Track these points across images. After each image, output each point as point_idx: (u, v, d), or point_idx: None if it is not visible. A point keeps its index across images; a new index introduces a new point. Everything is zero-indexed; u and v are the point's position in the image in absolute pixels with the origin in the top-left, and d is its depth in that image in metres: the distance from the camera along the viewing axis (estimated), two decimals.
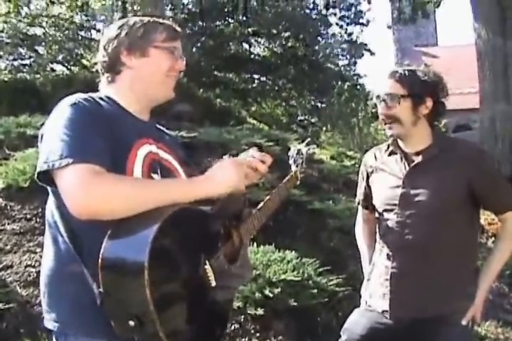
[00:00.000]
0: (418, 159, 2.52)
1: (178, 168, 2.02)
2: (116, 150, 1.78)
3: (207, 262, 1.73)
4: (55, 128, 1.73)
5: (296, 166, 2.38)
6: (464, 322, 2.43)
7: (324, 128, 17.14)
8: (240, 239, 1.95)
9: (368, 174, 2.73)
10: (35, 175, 1.72)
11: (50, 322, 1.80)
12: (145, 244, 1.52)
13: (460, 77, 21.17)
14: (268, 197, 2.17)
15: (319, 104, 20.95)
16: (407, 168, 2.54)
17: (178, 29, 2.08)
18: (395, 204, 2.52)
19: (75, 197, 1.61)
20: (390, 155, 2.63)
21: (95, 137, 1.72)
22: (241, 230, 1.97)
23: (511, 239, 2.57)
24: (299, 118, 22.73)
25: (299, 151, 2.41)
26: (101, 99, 1.90)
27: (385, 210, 2.57)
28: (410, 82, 2.47)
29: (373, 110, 20.84)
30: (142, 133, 1.93)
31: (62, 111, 1.76)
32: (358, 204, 2.88)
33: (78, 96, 1.83)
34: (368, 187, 2.74)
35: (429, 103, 2.50)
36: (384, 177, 2.62)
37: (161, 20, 2.06)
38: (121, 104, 1.95)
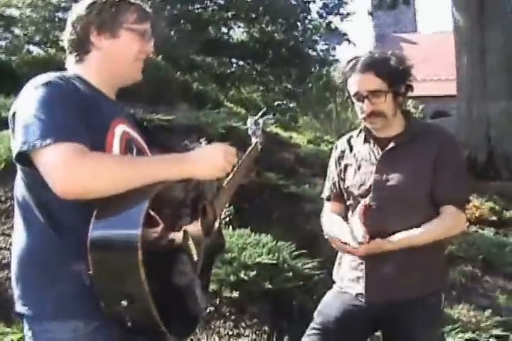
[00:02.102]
0: (391, 145, 2.53)
1: (146, 148, 2.02)
2: (95, 129, 1.76)
3: (189, 237, 1.75)
4: (30, 107, 1.69)
5: (256, 138, 2.39)
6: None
7: (302, 113, 17.13)
8: (213, 213, 1.99)
9: (340, 160, 2.72)
10: (14, 156, 1.68)
11: (21, 306, 1.77)
12: (137, 221, 1.51)
13: (438, 64, 21.32)
14: (234, 170, 2.18)
15: (297, 89, 20.92)
16: (380, 153, 2.55)
17: (148, 10, 2.05)
18: (368, 190, 2.53)
19: (61, 176, 1.59)
20: (364, 143, 2.64)
21: (73, 116, 1.69)
22: (215, 204, 2.01)
23: (442, 226, 2.51)
24: (276, 102, 22.70)
25: (255, 122, 2.41)
26: (72, 78, 1.86)
27: (359, 195, 2.57)
28: (390, 75, 2.45)
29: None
30: (115, 112, 1.93)
31: (36, 90, 1.73)
32: (327, 199, 2.82)
33: (51, 75, 1.79)
34: (341, 174, 2.71)
35: (403, 90, 2.52)
36: (357, 162, 2.62)
37: (131, 0, 2.02)
38: (91, 83, 1.92)
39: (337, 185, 2.72)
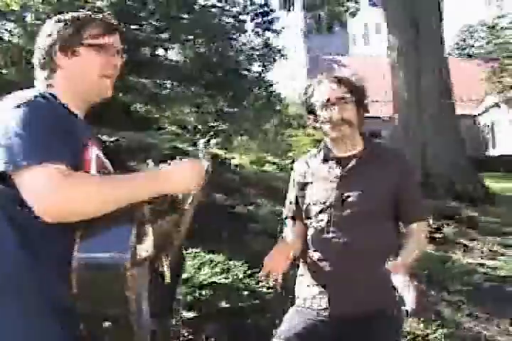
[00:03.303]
0: (351, 163, 2.63)
1: (111, 170, 1.98)
2: (73, 151, 1.73)
3: (165, 258, 1.77)
4: (12, 126, 1.65)
5: (207, 160, 2.41)
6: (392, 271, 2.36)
7: (236, 135, 17.27)
8: (177, 232, 1.99)
9: (299, 181, 2.79)
10: None
11: None
12: (125, 245, 1.52)
13: (368, 87, 21.83)
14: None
15: (232, 110, 21.00)
16: (341, 171, 2.64)
17: (114, 21, 2.00)
18: (329, 207, 2.61)
19: (46, 199, 1.56)
20: (323, 162, 2.73)
21: (56, 137, 1.67)
22: (181, 224, 2.01)
23: (419, 244, 2.65)
24: (210, 124, 22.68)
25: (205, 145, 2.42)
26: (49, 97, 1.82)
27: (320, 211, 2.64)
28: (355, 87, 2.62)
29: (286, 117, 21.17)
30: (87, 133, 1.90)
31: (19, 108, 1.69)
32: (286, 218, 2.89)
33: (32, 93, 1.76)
34: (300, 193, 2.77)
35: (365, 105, 2.67)
36: (318, 181, 2.70)
37: (95, 15, 1.98)
38: (62, 102, 1.88)
39: (295, 204, 2.79)
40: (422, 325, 4.46)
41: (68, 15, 1.96)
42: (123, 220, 1.59)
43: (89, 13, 2.00)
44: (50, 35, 1.91)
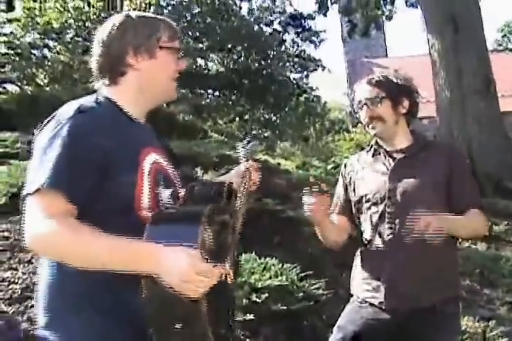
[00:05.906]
0: (402, 155, 2.70)
1: (173, 175, 2.00)
2: (124, 163, 1.77)
3: (227, 259, 1.75)
4: (41, 147, 1.72)
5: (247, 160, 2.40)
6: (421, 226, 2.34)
7: (279, 140, 17.28)
8: (233, 228, 1.95)
9: (349, 175, 2.85)
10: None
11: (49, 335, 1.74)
12: (192, 244, 1.53)
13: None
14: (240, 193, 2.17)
15: (273, 117, 21.09)
16: (392, 163, 2.70)
17: (175, 26, 2.02)
18: (382, 199, 2.66)
19: (28, 230, 1.63)
20: (373, 156, 2.79)
21: (79, 168, 1.69)
22: (236, 220, 1.98)
23: (480, 219, 2.63)
24: (253, 132, 22.77)
25: (244, 147, 2.41)
26: (103, 104, 1.85)
27: (373, 204, 2.69)
28: (387, 85, 2.69)
29: (328, 122, 21.12)
30: (146, 141, 1.91)
31: (56, 128, 1.73)
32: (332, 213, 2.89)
33: (80, 107, 1.78)
34: (349, 189, 2.83)
35: (406, 103, 2.71)
36: (368, 174, 2.76)
37: (159, 17, 2.00)
38: (124, 107, 1.90)
39: (343, 199, 2.86)
40: (477, 324, 4.45)
41: (135, 17, 1.95)
42: (192, 223, 1.59)
43: (154, 16, 2.02)
44: (120, 38, 1.90)
